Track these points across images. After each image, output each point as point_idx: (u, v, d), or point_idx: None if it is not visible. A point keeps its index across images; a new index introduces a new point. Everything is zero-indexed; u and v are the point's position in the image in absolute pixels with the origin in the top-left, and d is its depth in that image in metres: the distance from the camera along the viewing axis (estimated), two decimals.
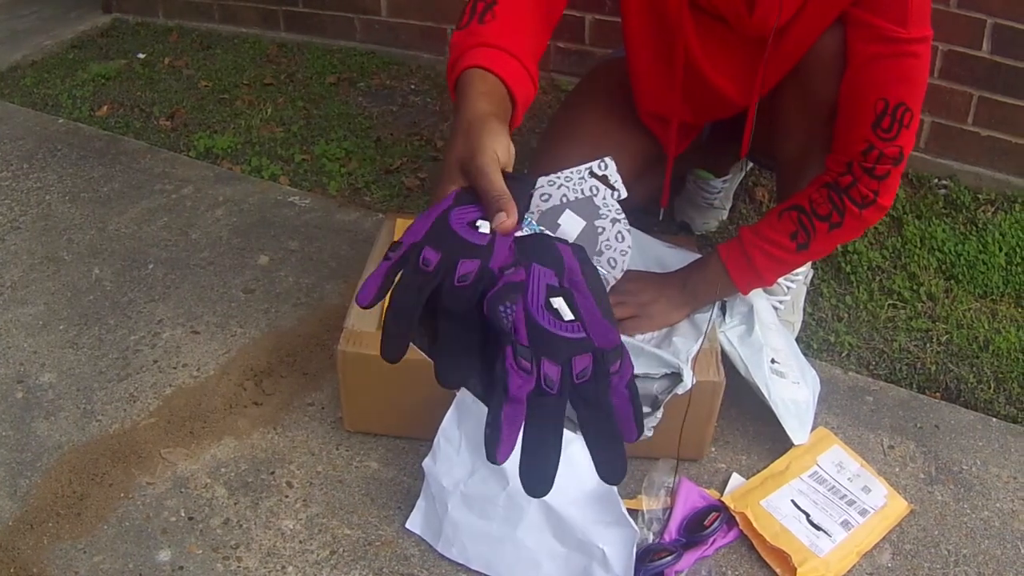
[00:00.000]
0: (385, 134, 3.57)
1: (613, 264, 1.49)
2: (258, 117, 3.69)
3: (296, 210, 3.10)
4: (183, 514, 2.07)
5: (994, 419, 2.37)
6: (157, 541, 2.01)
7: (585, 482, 1.96)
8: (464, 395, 2.04)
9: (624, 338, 1.99)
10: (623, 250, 1.52)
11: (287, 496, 2.11)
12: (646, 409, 2.02)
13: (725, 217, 3.00)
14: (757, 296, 2.30)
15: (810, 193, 2.10)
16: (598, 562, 1.91)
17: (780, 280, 2.44)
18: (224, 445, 2.24)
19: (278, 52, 4.24)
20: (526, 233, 1.37)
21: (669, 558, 1.92)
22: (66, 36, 4.44)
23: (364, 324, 2.14)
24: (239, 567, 1.96)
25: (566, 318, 1.27)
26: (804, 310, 2.61)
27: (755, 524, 2.00)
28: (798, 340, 2.50)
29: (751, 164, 2.98)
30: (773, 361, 2.24)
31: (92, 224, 3.01)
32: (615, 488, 1.93)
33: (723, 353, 2.16)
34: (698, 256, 2.32)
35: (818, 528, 2.02)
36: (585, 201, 1.52)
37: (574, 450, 1.98)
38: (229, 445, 2.24)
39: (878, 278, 2.79)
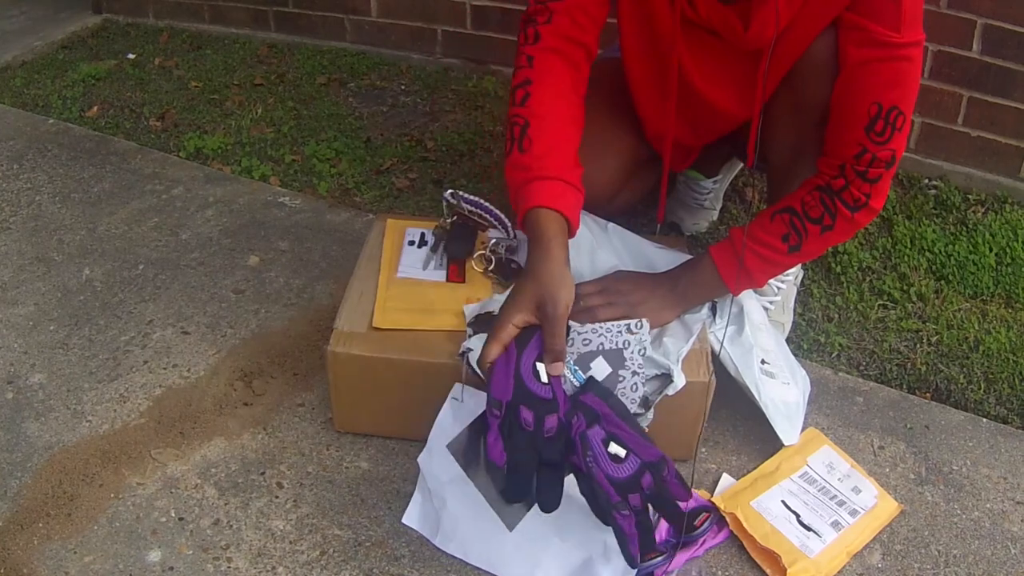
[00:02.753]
0: (375, 135, 3.57)
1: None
2: (248, 117, 3.69)
3: (286, 211, 3.10)
4: (173, 514, 2.07)
5: (984, 419, 2.37)
6: (147, 541, 2.01)
7: None
8: (458, 387, 2.05)
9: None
10: (633, 399, 1.99)
11: (277, 497, 2.11)
12: (638, 410, 2.02)
13: (715, 218, 3.00)
14: (747, 297, 2.30)
15: (802, 196, 2.10)
16: (598, 555, 1.91)
17: (770, 281, 2.44)
18: (214, 446, 2.24)
19: (268, 53, 4.24)
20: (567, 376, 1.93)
21: (660, 558, 1.92)
22: (56, 37, 4.44)
23: (354, 325, 2.14)
24: (229, 567, 1.96)
25: (622, 455, 1.81)
26: (794, 311, 2.61)
27: (745, 525, 2.00)
28: (788, 341, 2.51)
29: (741, 165, 2.98)
30: (763, 362, 2.24)
31: (82, 224, 3.01)
32: None
33: (713, 353, 2.16)
34: (689, 257, 2.32)
35: (808, 529, 2.02)
36: (616, 352, 2.00)
37: None
38: (219, 446, 2.24)
39: (868, 279, 2.80)
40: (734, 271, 2.15)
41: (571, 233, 2.01)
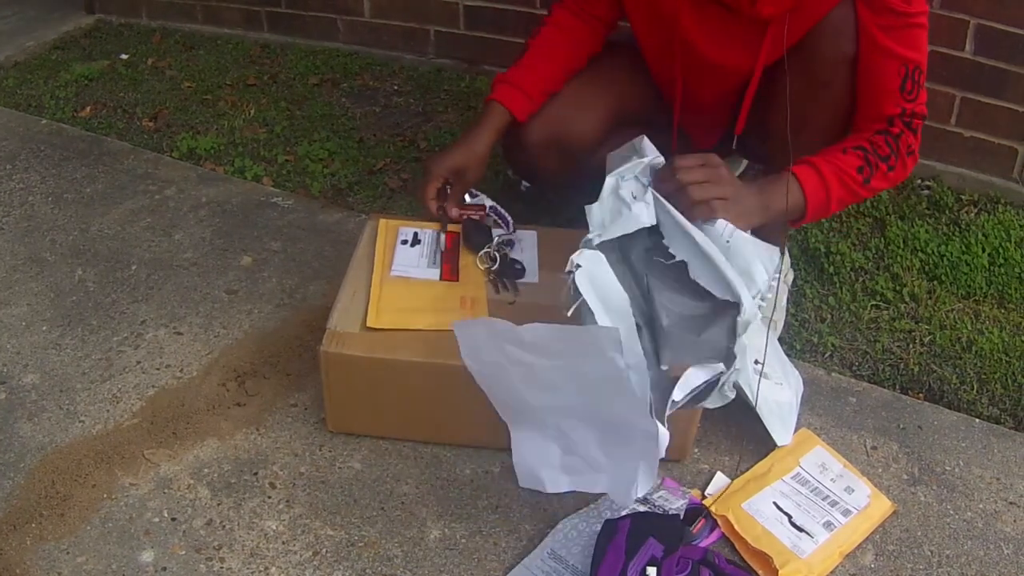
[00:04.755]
0: (368, 135, 3.57)
1: None
2: (241, 118, 3.69)
3: (279, 211, 3.10)
4: (166, 515, 2.07)
5: (977, 420, 2.37)
6: (140, 542, 2.01)
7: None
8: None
9: (700, 238, 1.94)
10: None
11: (270, 497, 2.11)
12: (729, 392, 1.98)
13: None
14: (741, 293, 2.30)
15: (868, 137, 2.20)
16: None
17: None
18: (207, 446, 2.24)
19: (261, 53, 4.24)
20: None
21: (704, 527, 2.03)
22: (49, 37, 4.44)
23: (347, 325, 2.14)
24: (222, 568, 1.96)
25: None
26: (787, 310, 2.61)
27: (737, 527, 2.00)
28: (781, 341, 2.51)
29: (744, 164, 2.99)
30: (756, 362, 2.24)
31: (75, 225, 3.01)
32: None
33: None
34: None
35: (800, 529, 2.02)
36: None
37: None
38: (212, 446, 2.24)
39: (861, 279, 2.80)
40: (817, 191, 2.16)
41: (516, 121, 2.42)
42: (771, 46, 2.24)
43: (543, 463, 2.01)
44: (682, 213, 1.99)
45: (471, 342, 1.93)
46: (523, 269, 2.33)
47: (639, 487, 1.84)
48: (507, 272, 2.32)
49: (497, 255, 2.33)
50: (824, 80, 2.22)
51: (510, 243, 2.38)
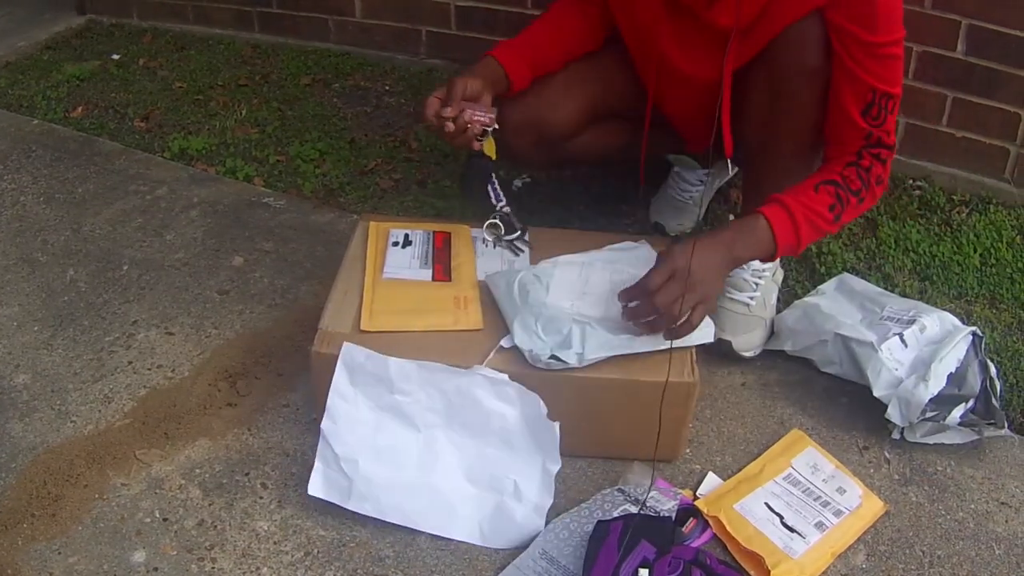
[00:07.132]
0: (360, 135, 3.56)
1: None
2: (233, 118, 3.68)
3: (271, 211, 3.10)
4: (158, 515, 2.07)
5: None
6: (132, 542, 2.01)
7: (510, 420, 2.06)
8: (348, 350, 2.07)
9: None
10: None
11: (261, 497, 2.11)
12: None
13: (701, 218, 3.00)
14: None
15: (838, 170, 2.21)
16: (509, 495, 2.02)
17: (747, 277, 2.48)
18: (198, 446, 2.24)
19: (252, 53, 4.23)
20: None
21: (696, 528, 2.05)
22: (40, 37, 4.43)
23: (338, 325, 2.14)
24: (214, 568, 1.95)
25: None
26: (778, 309, 2.61)
27: (728, 528, 2.00)
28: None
29: (735, 170, 2.99)
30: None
31: (67, 225, 3.01)
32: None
33: (694, 356, 2.16)
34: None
35: (792, 530, 2.02)
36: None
37: (506, 393, 2.02)
38: (203, 446, 2.24)
39: None
40: (788, 236, 2.18)
41: (511, 86, 2.42)
42: (733, 58, 2.26)
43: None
44: (665, 333, 2.08)
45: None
46: (526, 227, 2.44)
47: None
48: (512, 228, 2.42)
49: (501, 223, 2.39)
50: (788, 91, 2.23)
51: (508, 216, 2.41)
